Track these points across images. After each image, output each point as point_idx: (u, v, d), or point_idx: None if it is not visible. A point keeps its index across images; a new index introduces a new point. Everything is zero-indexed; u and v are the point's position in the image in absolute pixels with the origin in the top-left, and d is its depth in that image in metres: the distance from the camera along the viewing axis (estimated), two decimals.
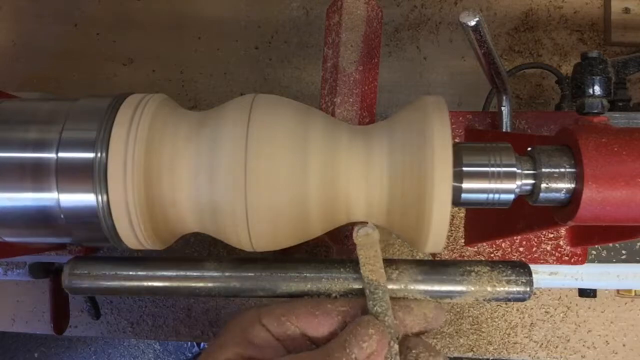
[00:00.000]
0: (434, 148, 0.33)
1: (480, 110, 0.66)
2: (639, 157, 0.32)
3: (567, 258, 0.50)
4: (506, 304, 0.73)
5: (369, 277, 0.38)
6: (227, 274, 0.41)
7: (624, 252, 0.52)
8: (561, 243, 0.50)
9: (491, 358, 0.73)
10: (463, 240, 0.52)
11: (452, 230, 0.52)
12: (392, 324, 0.37)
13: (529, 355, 0.72)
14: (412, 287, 0.40)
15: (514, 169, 0.34)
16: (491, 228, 0.47)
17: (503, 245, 0.51)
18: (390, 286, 0.39)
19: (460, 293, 0.40)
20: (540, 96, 0.78)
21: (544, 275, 0.53)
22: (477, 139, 0.51)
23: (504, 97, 0.48)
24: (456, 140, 0.51)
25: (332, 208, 0.37)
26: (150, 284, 0.41)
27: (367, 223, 0.38)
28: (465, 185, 0.34)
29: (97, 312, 0.74)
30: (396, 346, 0.37)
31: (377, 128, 0.38)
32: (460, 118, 0.53)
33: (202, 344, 1.32)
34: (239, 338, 0.38)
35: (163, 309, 0.76)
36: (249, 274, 0.41)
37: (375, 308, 0.37)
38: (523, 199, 0.36)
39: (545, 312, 0.73)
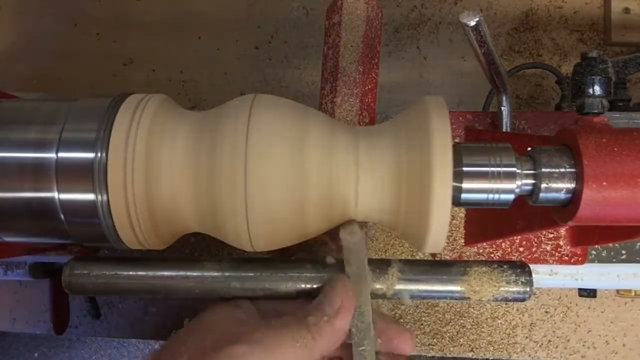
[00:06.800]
0: (434, 148, 0.33)
1: (480, 110, 0.66)
2: (639, 157, 0.32)
3: (567, 258, 0.50)
4: (506, 304, 0.73)
5: (354, 274, 0.39)
6: (227, 274, 0.41)
7: (624, 252, 0.52)
8: (561, 243, 0.50)
9: (491, 358, 0.73)
10: (463, 240, 0.52)
11: (452, 230, 0.52)
12: (372, 319, 0.38)
13: (529, 355, 0.72)
14: (412, 287, 0.40)
15: (514, 169, 0.34)
16: (491, 228, 0.47)
17: (503, 245, 0.51)
18: (391, 287, 0.39)
19: (460, 293, 0.40)
20: (540, 96, 0.78)
21: (544, 275, 0.53)
22: (477, 139, 0.51)
23: (504, 97, 0.48)
24: (456, 141, 0.51)
25: (331, 208, 0.37)
26: (150, 284, 0.41)
27: (353, 221, 0.38)
28: (465, 185, 0.34)
29: (97, 312, 0.74)
30: (372, 330, 0.37)
31: (377, 129, 0.38)
32: (460, 118, 0.53)
33: None
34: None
35: (163, 309, 0.76)
36: (249, 274, 0.41)
37: (359, 305, 0.38)
38: (523, 199, 0.36)
39: (545, 312, 0.73)
